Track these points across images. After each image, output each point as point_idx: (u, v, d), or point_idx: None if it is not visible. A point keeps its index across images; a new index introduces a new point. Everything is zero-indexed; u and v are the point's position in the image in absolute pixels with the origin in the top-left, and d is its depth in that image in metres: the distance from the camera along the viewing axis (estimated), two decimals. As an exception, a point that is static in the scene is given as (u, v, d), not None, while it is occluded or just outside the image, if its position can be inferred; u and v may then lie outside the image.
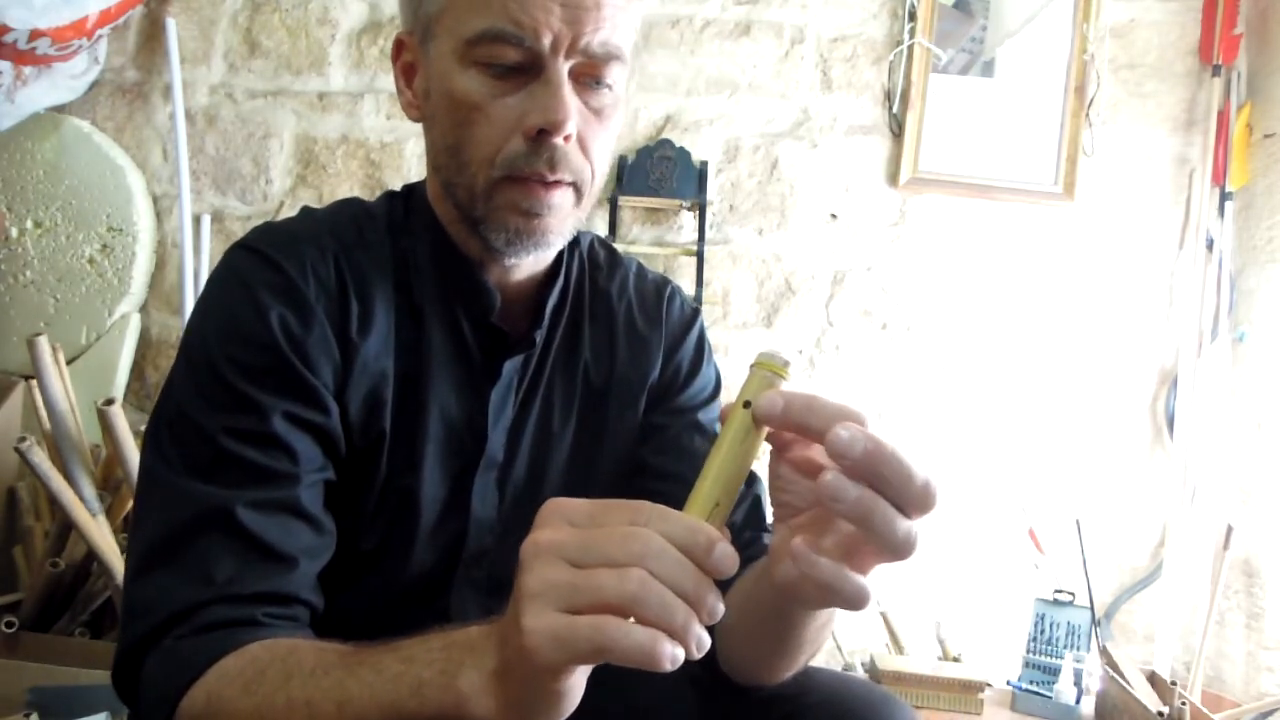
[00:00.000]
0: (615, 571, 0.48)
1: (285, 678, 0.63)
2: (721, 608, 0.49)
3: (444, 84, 0.77)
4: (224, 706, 0.65)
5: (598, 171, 0.80)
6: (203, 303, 0.79)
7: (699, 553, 0.49)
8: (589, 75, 0.76)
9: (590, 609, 0.48)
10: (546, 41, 0.73)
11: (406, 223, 0.86)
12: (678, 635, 0.48)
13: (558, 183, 0.76)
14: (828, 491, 0.50)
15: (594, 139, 0.78)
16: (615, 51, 0.76)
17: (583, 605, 0.48)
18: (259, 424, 0.73)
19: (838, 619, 2.38)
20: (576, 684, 0.52)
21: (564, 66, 0.74)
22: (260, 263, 0.77)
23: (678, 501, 0.89)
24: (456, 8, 0.76)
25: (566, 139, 0.75)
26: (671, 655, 0.47)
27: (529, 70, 0.75)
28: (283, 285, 0.77)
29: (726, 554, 0.49)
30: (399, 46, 0.84)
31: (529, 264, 0.85)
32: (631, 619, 0.48)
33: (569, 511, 0.52)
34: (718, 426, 0.94)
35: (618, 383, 0.91)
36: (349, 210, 0.86)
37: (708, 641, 0.49)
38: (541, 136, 0.75)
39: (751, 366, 0.56)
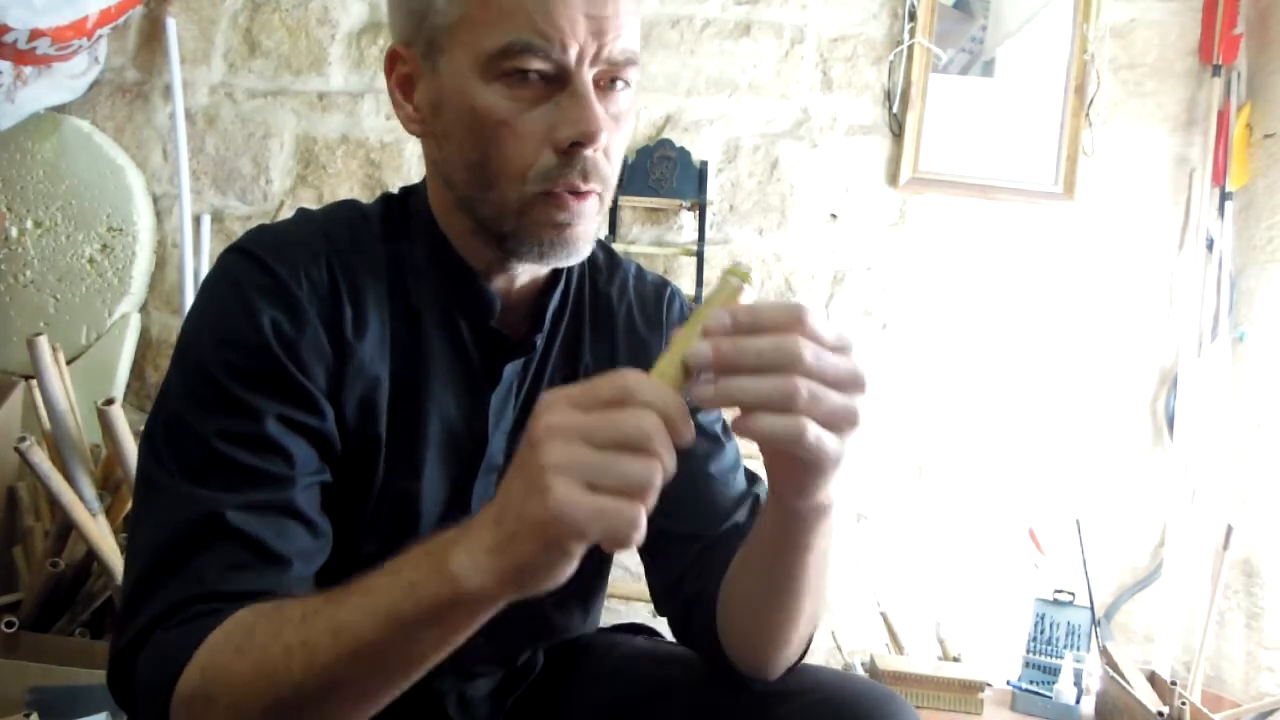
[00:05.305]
0: (638, 460, 0.54)
1: (276, 630, 0.64)
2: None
3: (463, 100, 0.75)
4: (220, 675, 0.65)
5: (617, 174, 0.80)
6: (196, 306, 0.79)
7: (677, 424, 0.56)
8: (608, 80, 0.76)
9: (612, 489, 0.53)
10: (573, 52, 0.73)
11: (404, 226, 0.86)
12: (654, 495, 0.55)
13: (589, 192, 0.77)
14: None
15: (615, 144, 0.78)
16: (633, 56, 0.76)
17: (605, 485, 0.53)
18: (253, 427, 0.73)
19: (837, 619, 2.35)
20: (572, 568, 0.57)
21: (589, 75, 0.74)
22: (252, 266, 0.77)
23: (674, 502, 0.89)
24: (474, 21, 0.74)
25: (596, 149, 0.75)
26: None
27: (553, 81, 0.74)
28: (275, 288, 0.76)
29: (691, 427, 0.56)
30: (393, 59, 0.81)
31: (532, 269, 0.85)
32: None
33: (566, 394, 0.57)
34: (716, 427, 0.95)
35: None
36: (343, 213, 0.86)
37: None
38: (574, 149, 0.74)
39: (724, 273, 0.63)
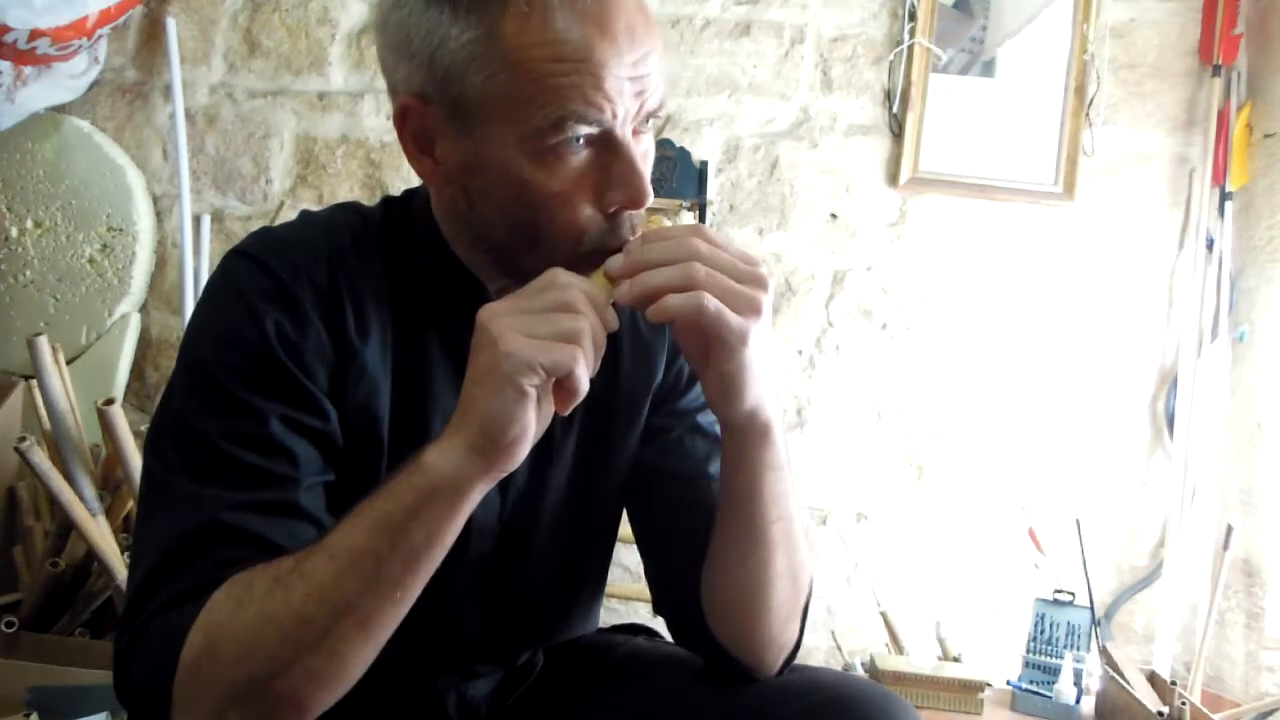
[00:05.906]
0: (567, 316, 0.65)
1: (274, 575, 0.67)
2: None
3: (509, 172, 0.73)
4: (222, 629, 0.66)
5: None
6: (199, 309, 0.80)
7: (600, 306, 0.67)
8: (642, 123, 0.76)
9: (548, 336, 0.64)
10: (621, 117, 0.72)
11: (405, 231, 0.85)
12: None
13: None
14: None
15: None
16: (664, 100, 0.76)
17: (542, 333, 0.64)
18: (257, 428, 0.73)
19: (837, 619, 2.34)
20: (530, 419, 0.65)
21: (629, 133, 0.74)
22: (255, 269, 0.77)
23: (673, 502, 0.90)
24: (518, 96, 0.71)
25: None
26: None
27: (596, 142, 0.73)
28: (277, 291, 0.76)
29: (612, 313, 0.68)
30: (404, 112, 0.76)
31: None
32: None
33: (510, 296, 0.67)
34: (717, 428, 0.95)
35: (622, 388, 0.91)
36: (344, 216, 0.85)
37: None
38: (621, 210, 0.75)
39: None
